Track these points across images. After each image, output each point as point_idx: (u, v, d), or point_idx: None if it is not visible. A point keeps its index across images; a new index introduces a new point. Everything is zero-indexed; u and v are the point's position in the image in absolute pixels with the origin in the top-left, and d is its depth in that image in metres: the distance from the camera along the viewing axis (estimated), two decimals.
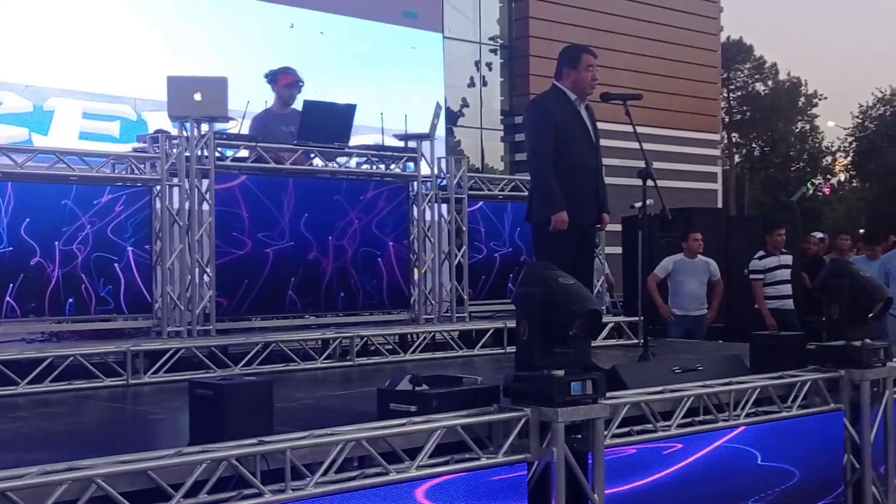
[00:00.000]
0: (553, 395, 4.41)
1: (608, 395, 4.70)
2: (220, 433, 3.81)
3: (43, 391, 5.85)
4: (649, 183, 6.45)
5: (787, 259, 10.45)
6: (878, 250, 10.73)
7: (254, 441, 3.76)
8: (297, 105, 8.22)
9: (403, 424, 4.17)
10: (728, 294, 10.85)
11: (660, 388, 5.14)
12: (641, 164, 6.41)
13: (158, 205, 6.93)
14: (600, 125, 6.61)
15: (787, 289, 10.38)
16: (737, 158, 46.19)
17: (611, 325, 8.68)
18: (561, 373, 4.47)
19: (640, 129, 6.30)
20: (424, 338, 7.86)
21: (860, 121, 44.28)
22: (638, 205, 6.98)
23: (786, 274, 10.39)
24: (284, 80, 8.31)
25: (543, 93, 6.55)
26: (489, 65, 23.89)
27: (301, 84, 8.39)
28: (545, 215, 6.20)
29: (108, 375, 6.14)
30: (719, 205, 27.17)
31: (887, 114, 43.39)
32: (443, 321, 8.33)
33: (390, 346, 7.61)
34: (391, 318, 8.10)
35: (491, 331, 8.03)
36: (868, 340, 5.97)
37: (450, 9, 21.27)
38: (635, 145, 6.32)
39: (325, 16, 12.25)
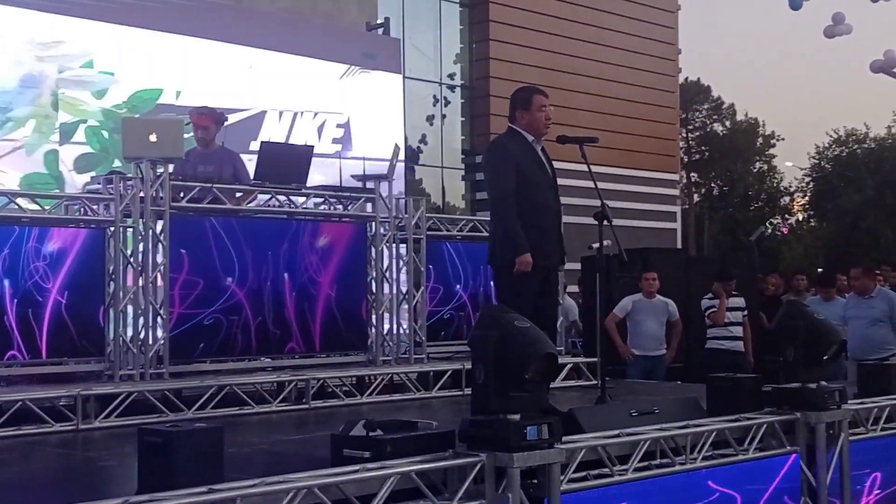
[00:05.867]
0: (508, 439, 4.38)
1: (564, 439, 4.68)
2: (169, 481, 3.75)
3: None
4: (606, 224, 6.46)
5: (738, 301, 10.49)
6: (832, 291, 10.80)
7: (203, 489, 3.69)
8: (264, 147, 8.11)
9: (357, 471, 4.12)
10: (687, 334, 10.88)
11: (616, 432, 5.12)
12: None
13: (112, 246, 6.83)
14: (562, 164, 6.63)
15: (737, 331, 10.42)
16: (696, 198, 46.63)
17: (569, 366, 8.67)
18: (517, 417, 4.45)
19: (600, 169, 6.33)
20: (382, 380, 7.81)
21: (817, 161, 44.89)
22: (596, 245, 6.99)
23: (737, 316, 10.43)
24: (191, 122, 8.24)
25: (502, 135, 6.53)
26: (449, 103, 24.01)
27: (208, 126, 8.17)
28: (509, 257, 6.15)
29: (57, 420, 6.03)
30: (679, 243, 27.40)
31: (843, 154, 44.00)
32: (400, 363, 8.27)
33: (347, 389, 7.54)
34: (348, 359, 8.03)
35: (449, 372, 7.99)
36: (824, 383, 6.01)
37: (410, 48, 21.41)
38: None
39: (285, 56, 12.26)
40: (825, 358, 6.06)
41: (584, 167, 6.37)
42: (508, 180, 6.20)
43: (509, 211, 6.18)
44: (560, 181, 6.49)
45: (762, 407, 5.95)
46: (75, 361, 6.76)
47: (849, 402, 6.20)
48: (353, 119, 12.77)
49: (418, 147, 23.23)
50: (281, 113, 12.19)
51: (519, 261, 6.09)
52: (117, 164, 10.23)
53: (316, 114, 12.45)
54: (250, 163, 7.98)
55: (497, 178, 6.31)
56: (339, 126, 12.60)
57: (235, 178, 7.97)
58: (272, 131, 12.00)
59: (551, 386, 6.30)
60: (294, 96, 12.33)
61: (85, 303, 6.73)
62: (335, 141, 12.49)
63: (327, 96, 12.64)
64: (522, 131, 6.32)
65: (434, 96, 23.76)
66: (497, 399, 4.48)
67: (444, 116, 23.87)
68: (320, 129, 12.43)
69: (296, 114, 12.29)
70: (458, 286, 8.83)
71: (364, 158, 9.25)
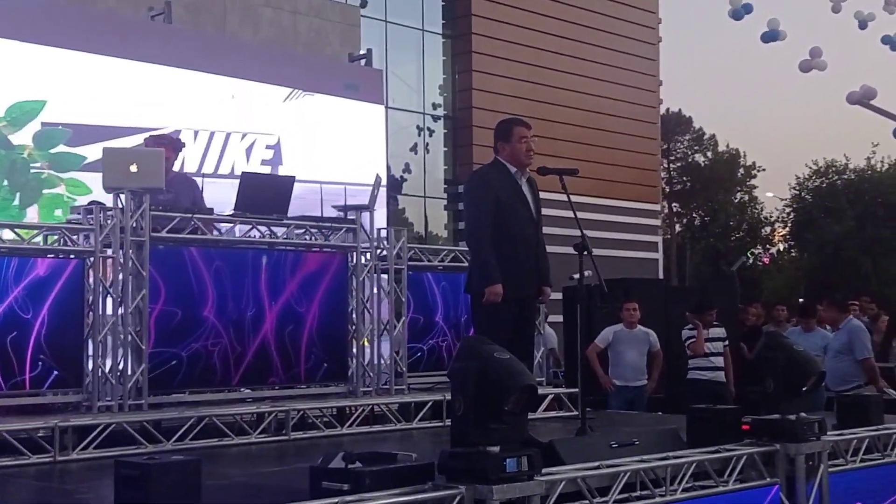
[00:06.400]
0: (488, 471, 4.38)
1: (544, 471, 4.67)
2: None
3: None
4: (585, 254, 6.49)
5: (718, 332, 10.53)
6: (812, 322, 10.86)
7: None
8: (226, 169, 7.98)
9: None
10: (668, 365, 10.90)
11: (596, 464, 5.11)
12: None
13: (91, 277, 6.80)
14: (544, 194, 6.68)
15: (718, 361, 10.45)
16: (678, 228, 46.85)
17: (550, 396, 8.66)
18: (496, 449, 4.44)
19: (582, 200, 6.38)
20: (362, 411, 7.77)
21: (797, 192, 45.15)
22: (577, 276, 7.01)
23: (717, 346, 10.46)
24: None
25: (485, 165, 6.66)
26: (433, 133, 24.12)
27: (168, 155, 7.89)
28: (480, 288, 6.22)
29: (34, 452, 5.96)
30: (660, 273, 27.51)
31: (823, 185, 44.28)
32: (381, 393, 8.24)
33: (327, 420, 7.50)
34: (329, 390, 8.00)
35: (430, 403, 7.96)
36: (803, 414, 6.02)
37: (394, 79, 21.50)
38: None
39: (265, 87, 12.19)
40: (804, 389, 6.08)
41: (565, 197, 6.40)
42: (485, 211, 6.31)
43: (483, 241, 6.28)
44: (545, 210, 6.54)
45: (742, 438, 5.96)
46: (53, 392, 6.70)
47: (828, 433, 6.21)
48: (286, 140, 12.48)
49: (401, 177, 23.31)
50: (196, 132, 11.56)
51: (489, 291, 6.19)
52: (6, 183, 10.01)
53: (245, 135, 12.22)
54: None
55: (474, 208, 6.43)
56: (268, 147, 12.40)
57: (194, 204, 7.91)
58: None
59: (532, 416, 6.29)
60: (227, 118, 11.84)
61: (64, 333, 6.68)
62: (264, 162, 12.21)
63: (265, 119, 12.32)
64: (505, 162, 6.41)
65: (417, 126, 23.88)
66: (477, 431, 4.49)
67: (427, 146, 23.96)
68: (249, 151, 12.20)
69: (213, 133, 11.79)
70: (438, 316, 8.82)
71: (345, 184, 9.19)
